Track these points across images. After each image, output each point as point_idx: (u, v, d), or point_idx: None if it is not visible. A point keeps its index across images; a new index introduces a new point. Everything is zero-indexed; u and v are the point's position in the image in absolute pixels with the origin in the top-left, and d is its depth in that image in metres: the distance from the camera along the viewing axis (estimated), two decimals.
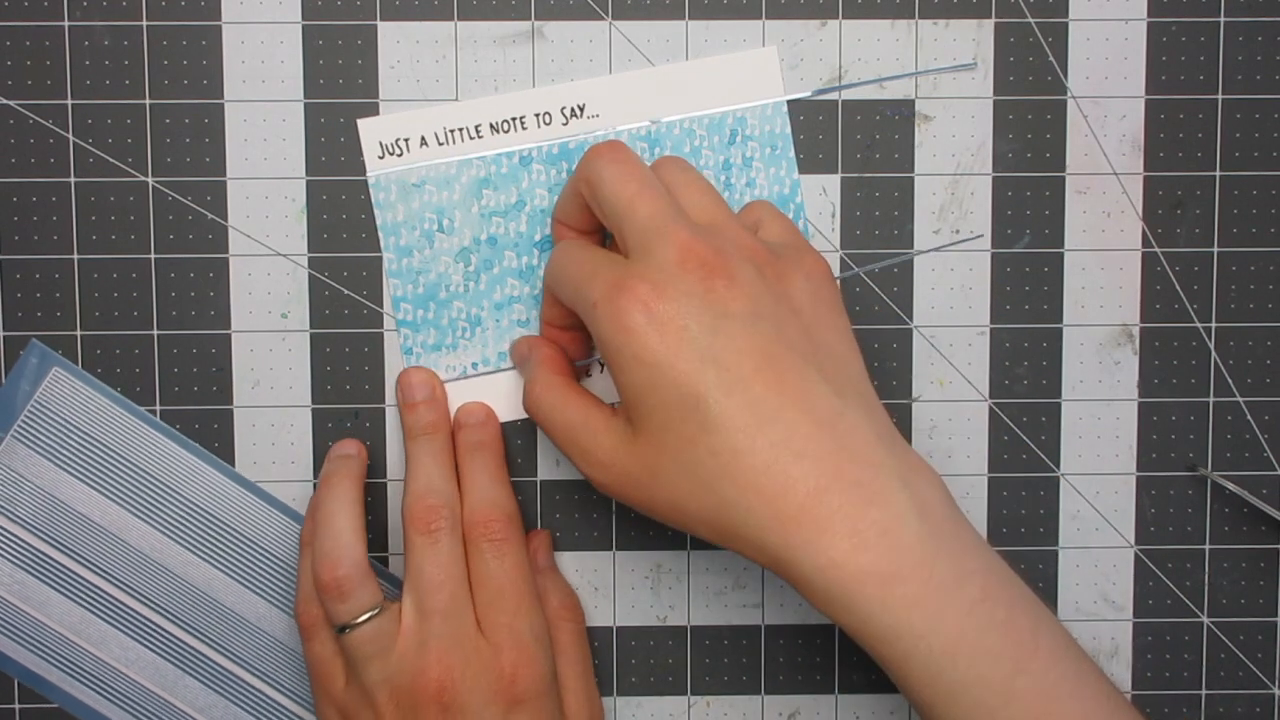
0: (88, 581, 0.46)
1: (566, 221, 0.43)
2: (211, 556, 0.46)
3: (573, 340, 0.44)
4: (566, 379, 0.42)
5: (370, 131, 0.46)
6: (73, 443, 0.46)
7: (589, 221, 0.42)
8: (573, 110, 0.46)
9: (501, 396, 0.46)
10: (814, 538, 0.36)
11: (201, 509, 0.46)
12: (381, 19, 0.46)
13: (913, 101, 0.46)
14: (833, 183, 0.46)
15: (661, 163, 0.42)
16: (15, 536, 0.46)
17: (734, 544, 0.37)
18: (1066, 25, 0.46)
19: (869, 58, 0.46)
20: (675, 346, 0.36)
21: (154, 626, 0.47)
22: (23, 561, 0.46)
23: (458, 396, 0.46)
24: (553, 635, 0.44)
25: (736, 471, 0.36)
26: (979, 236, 0.46)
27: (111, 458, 0.46)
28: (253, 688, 0.47)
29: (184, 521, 0.46)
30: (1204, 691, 0.48)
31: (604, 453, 0.39)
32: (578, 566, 0.47)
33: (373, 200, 0.46)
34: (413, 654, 0.41)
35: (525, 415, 0.46)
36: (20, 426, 0.46)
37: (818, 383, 0.37)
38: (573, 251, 0.41)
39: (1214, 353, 0.47)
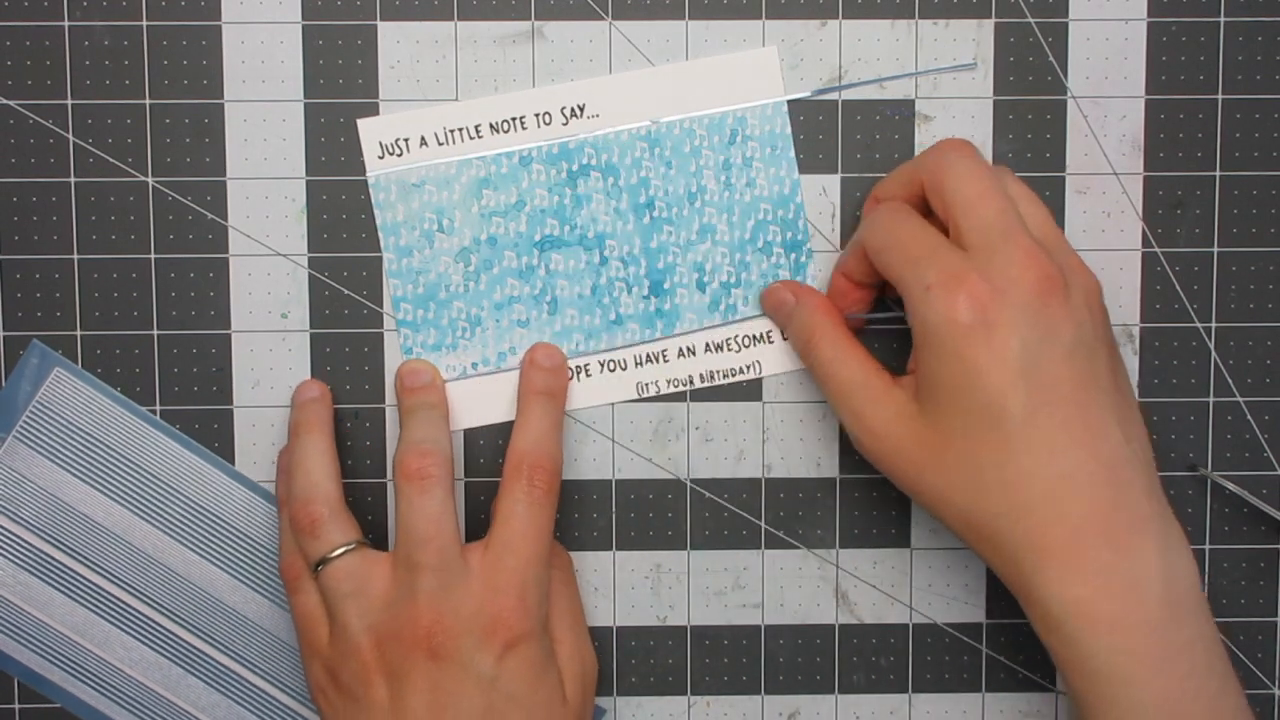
0: (90, 582, 0.47)
1: (886, 199, 0.43)
2: (213, 556, 0.47)
3: (860, 299, 0.44)
4: (849, 334, 0.43)
5: (370, 131, 0.46)
6: (74, 443, 0.46)
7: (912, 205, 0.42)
8: (573, 110, 0.46)
9: (502, 397, 0.46)
10: (1066, 573, 0.37)
11: (203, 508, 0.46)
12: (381, 19, 0.46)
13: (913, 101, 0.46)
14: (833, 183, 0.46)
15: (1002, 170, 0.42)
16: (17, 537, 0.46)
17: (983, 548, 0.39)
18: (1066, 25, 0.46)
19: (869, 58, 0.46)
20: (1000, 355, 0.37)
21: (156, 626, 0.47)
22: (25, 562, 0.46)
23: (458, 397, 0.46)
24: (552, 585, 0.44)
25: (1017, 489, 0.38)
26: None
27: (113, 458, 0.46)
28: (255, 686, 0.47)
29: (186, 521, 0.46)
30: None
31: (880, 422, 0.40)
32: (578, 566, 0.47)
33: (373, 200, 0.46)
34: (402, 603, 0.40)
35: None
36: (22, 427, 0.46)
37: (1112, 425, 0.38)
38: (910, 223, 0.40)
39: (1214, 353, 0.47)
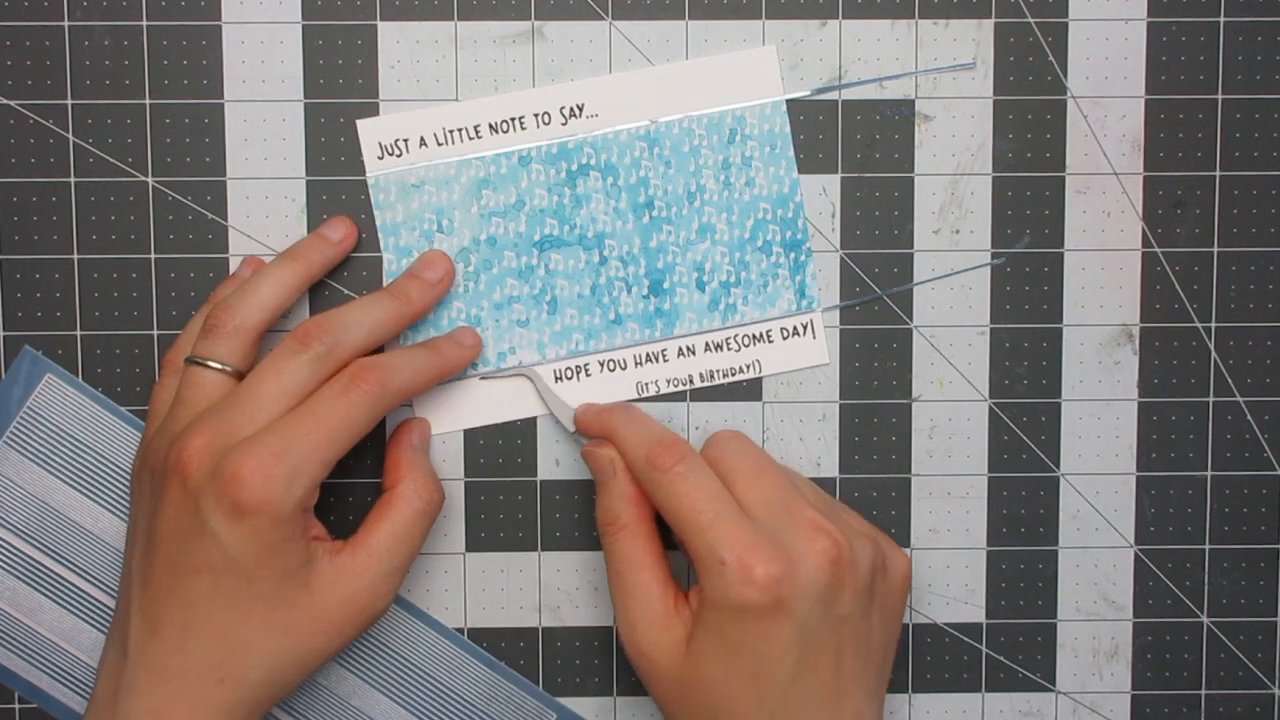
0: (79, 588, 0.46)
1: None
2: None
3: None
4: (655, 534, 0.43)
5: (369, 132, 0.46)
6: (64, 449, 0.46)
7: None
8: (572, 110, 0.46)
9: (502, 397, 0.46)
10: None
11: None
12: (381, 19, 0.46)
13: (913, 101, 0.46)
14: (833, 183, 0.46)
15: (721, 441, 0.43)
16: (6, 543, 0.46)
17: None
18: (1066, 25, 0.46)
19: (869, 57, 0.46)
20: (781, 629, 0.39)
21: None
22: (13, 568, 0.46)
23: (458, 397, 0.46)
24: (392, 500, 0.43)
25: None
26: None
27: (103, 464, 0.46)
28: None
29: None
30: (1204, 691, 0.48)
31: (648, 645, 0.41)
32: (578, 566, 0.47)
33: (372, 201, 0.46)
34: (199, 422, 0.40)
35: (525, 415, 0.46)
36: (12, 432, 0.46)
37: (858, 692, 0.41)
38: (701, 485, 0.41)
39: (1214, 353, 0.47)
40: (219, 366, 0.41)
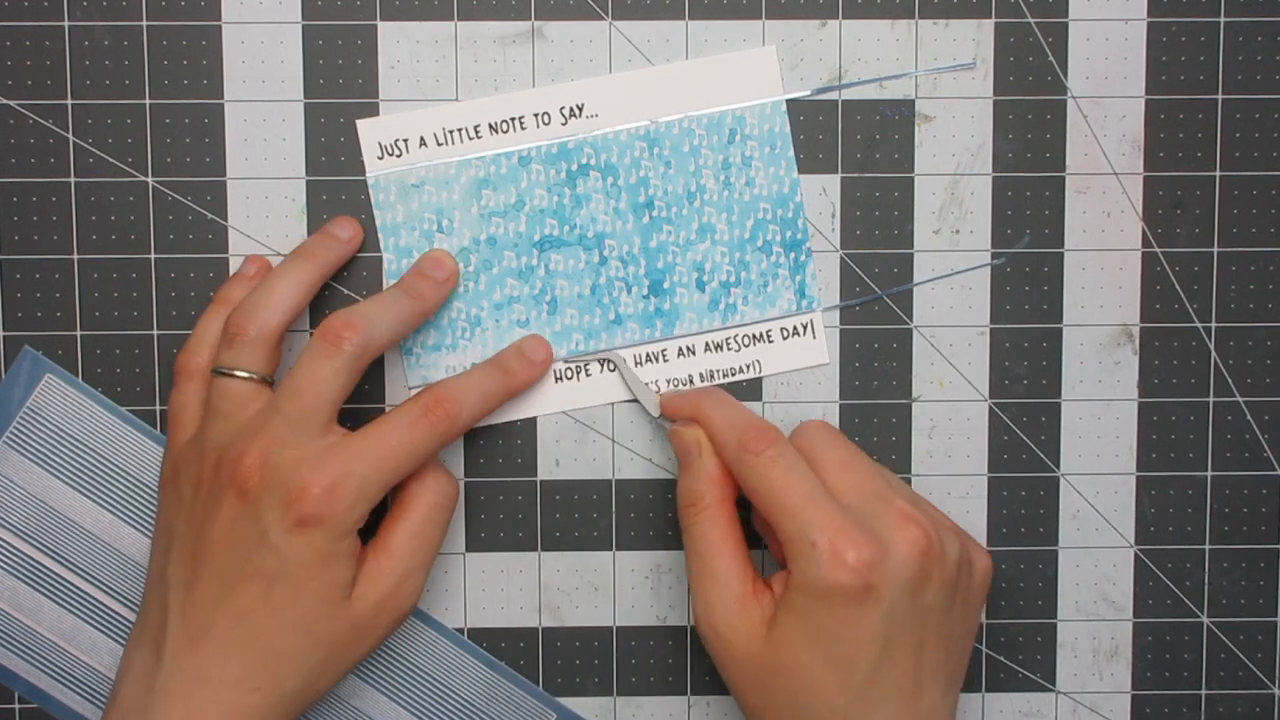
0: (78, 588, 0.46)
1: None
2: None
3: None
4: (736, 518, 0.43)
5: (369, 132, 0.46)
6: (64, 449, 0.46)
7: None
8: (572, 110, 0.46)
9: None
10: None
11: None
12: (381, 19, 0.46)
13: (913, 101, 0.46)
14: (833, 183, 0.46)
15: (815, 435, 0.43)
16: (6, 543, 0.46)
17: None
18: (1066, 25, 0.46)
19: (869, 58, 0.46)
20: (869, 616, 0.39)
21: None
22: (13, 568, 0.46)
23: None
24: (407, 499, 0.43)
25: None
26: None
27: (103, 464, 0.46)
28: None
29: None
30: (1204, 691, 0.48)
31: (727, 629, 0.41)
32: (578, 566, 0.47)
33: (372, 201, 0.46)
34: (246, 435, 0.40)
35: (527, 415, 0.46)
36: (12, 432, 0.46)
37: (937, 683, 0.41)
38: (791, 470, 0.41)
39: (1214, 353, 0.47)
40: (246, 375, 0.42)
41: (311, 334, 0.42)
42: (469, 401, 0.42)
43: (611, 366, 0.46)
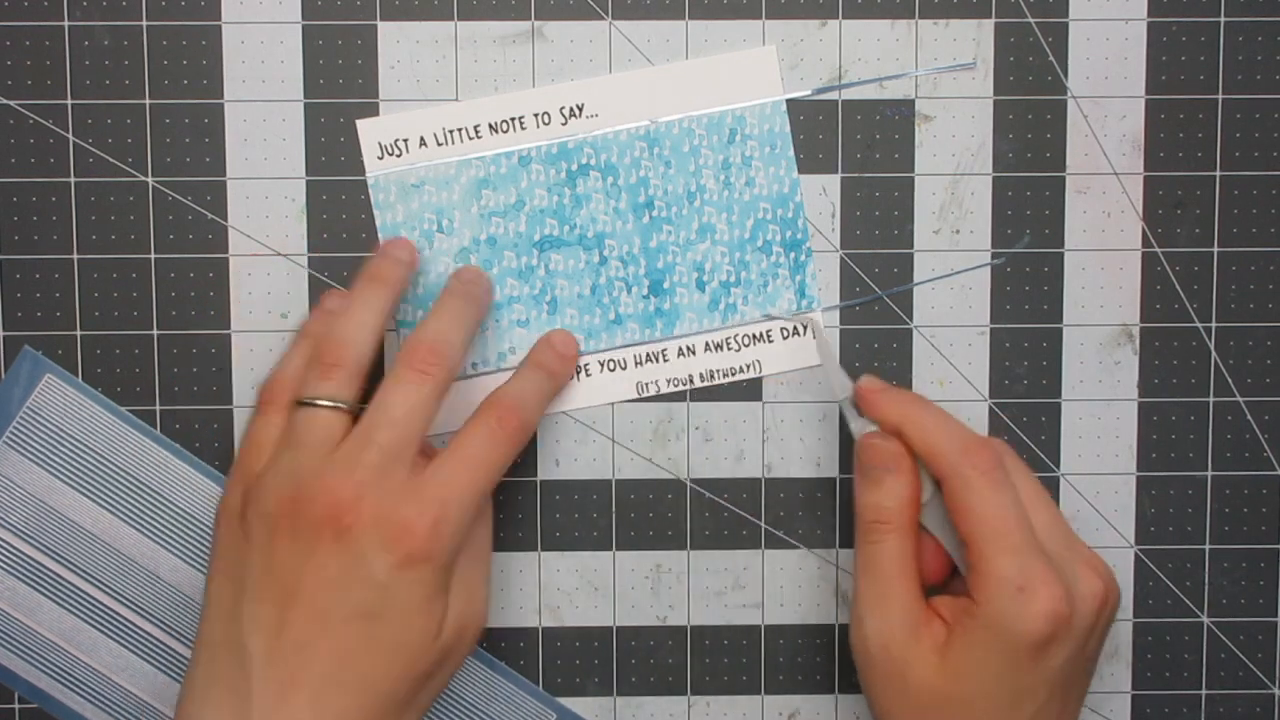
0: (78, 588, 0.46)
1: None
2: (201, 564, 0.46)
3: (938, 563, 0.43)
4: (918, 543, 0.42)
5: (369, 132, 0.46)
6: (64, 449, 0.46)
7: None
8: (572, 110, 0.46)
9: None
10: None
11: (192, 516, 0.46)
12: (381, 19, 0.46)
13: (913, 101, 0.46)
14: (833, 183, 0.46)
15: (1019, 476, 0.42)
16: (6, 543, 0.46)
17: None
18: (1066, 25, 0.46)
19: (869, 58, 0.46)
20: (1048, 665, 0.40)
21: (144, 633, 0.47)
22: (13, 568, 0.46)
23: (457, 397, 0.46)
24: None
25: None
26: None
27: (103, 464, 0.46)
28: None
29: (174, 528, 0.46)
30: (1204, 691, 0.48)
31: (899, 651, 0.41)
32: (578, 566, 0.47)
33: (372, 201, 0.46)
34: (336, 469, 0.39)
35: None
36: (12, 432, 0.46)
37: (1077, 709, 0.42)
38: (1016, 503, 0.41)
39: (1214, 353, 0.47)
40: (333, 405, 0.40)
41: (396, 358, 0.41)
42: (533, 407, 0.42)
43: (612, 367, 0.46)
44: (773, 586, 0.47)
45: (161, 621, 0.47)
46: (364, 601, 0.38)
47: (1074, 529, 0.43)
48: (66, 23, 0.45)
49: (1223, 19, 0.46)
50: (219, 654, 0.39)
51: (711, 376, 0.46)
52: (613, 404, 0.47)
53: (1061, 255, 0.46)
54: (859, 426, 0.43)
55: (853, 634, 0.42)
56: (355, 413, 0.41)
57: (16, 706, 0.47)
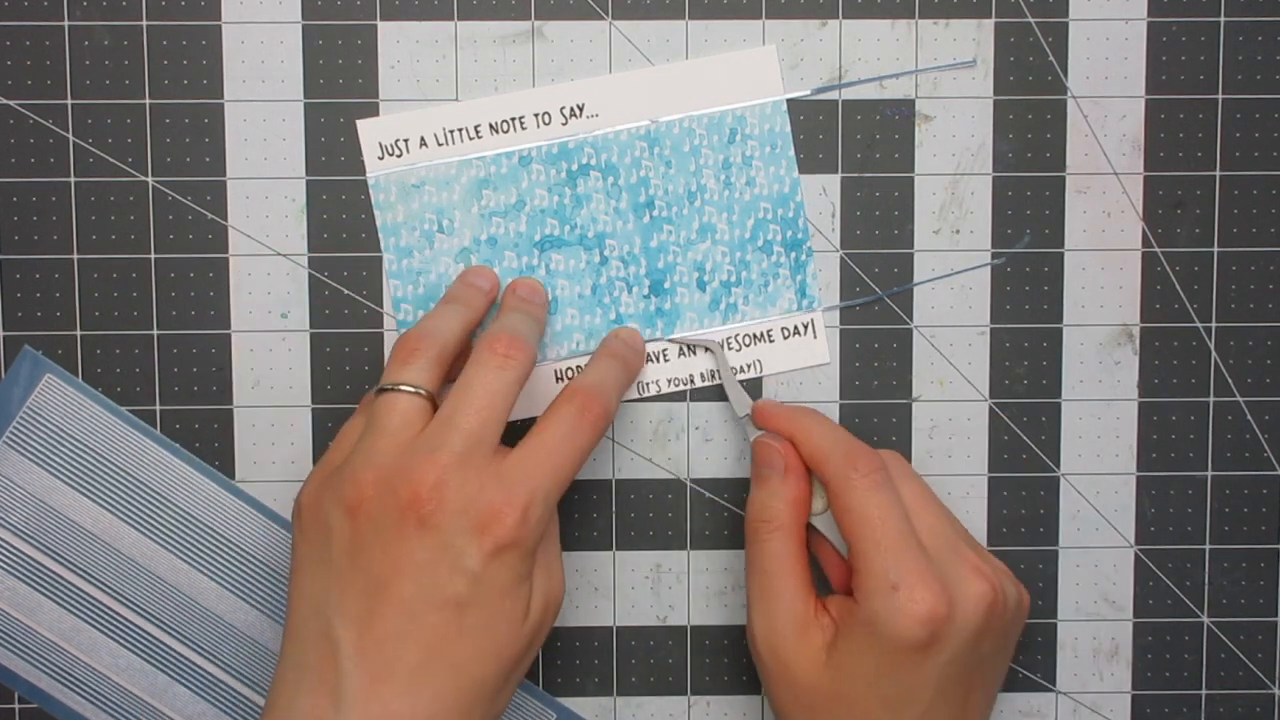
0: (78, 588, 0.46)
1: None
2: (201, 564, 0.46)
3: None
4: (804, 541, 0.43)
5: (369, 132, 0.46)
6: (65, 449, 0.46)
7: None
8: (572, 110, 0.46)
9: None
10: None
11: (192, 516, 0.46)
12: (381, 19, 0.46)
13: (913, 101, 0.46)
14: (833, 182, 0.46)
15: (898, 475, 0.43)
16: (6, 543, 0.46)
17: None
18: (1066, 25, 0.46)
19: (869, 57, 0.46)
20: (930, 665, 0.40)
21: (144, 633, 0.47)
22: (13, 568, 0.46)
23: None
24: None
25: None
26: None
27: (103, 465, 0.46)
28: (241, 695, 0.47)
29: (174, 528, 0.46)
30: (1204, 691, 0.48)
31: (785, 649, 0.41)
32: (578, 566, 0.47)
33: (373, 201, 0.46)
34: (419, 454, 0.38)
35: (527, 416, 0.46)
36: (12, 432, 0.46)
37: (981, 712, 0.42)
38: (893, 504, 0.41)
39: (1214, 353, 0.47)
40: (417, 391, 0.40)
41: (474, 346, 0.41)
42: (612, 395, 0.42)
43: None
44: None
45: (161, 621, 0.47)
46: (454, 590, 0.38)
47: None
48: (66, 23, 0.45)
49: (1223, 19, 0.46)
50: (307, 647, 0.39)
51: (712, 376, 0.46)
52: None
53: (1061, 255, 0.46)
54: (754, 437, 0.44)
55: (747, 633, 0.43)
56: (436, 402, 0.40)
57: (16, 706, 0.47)
